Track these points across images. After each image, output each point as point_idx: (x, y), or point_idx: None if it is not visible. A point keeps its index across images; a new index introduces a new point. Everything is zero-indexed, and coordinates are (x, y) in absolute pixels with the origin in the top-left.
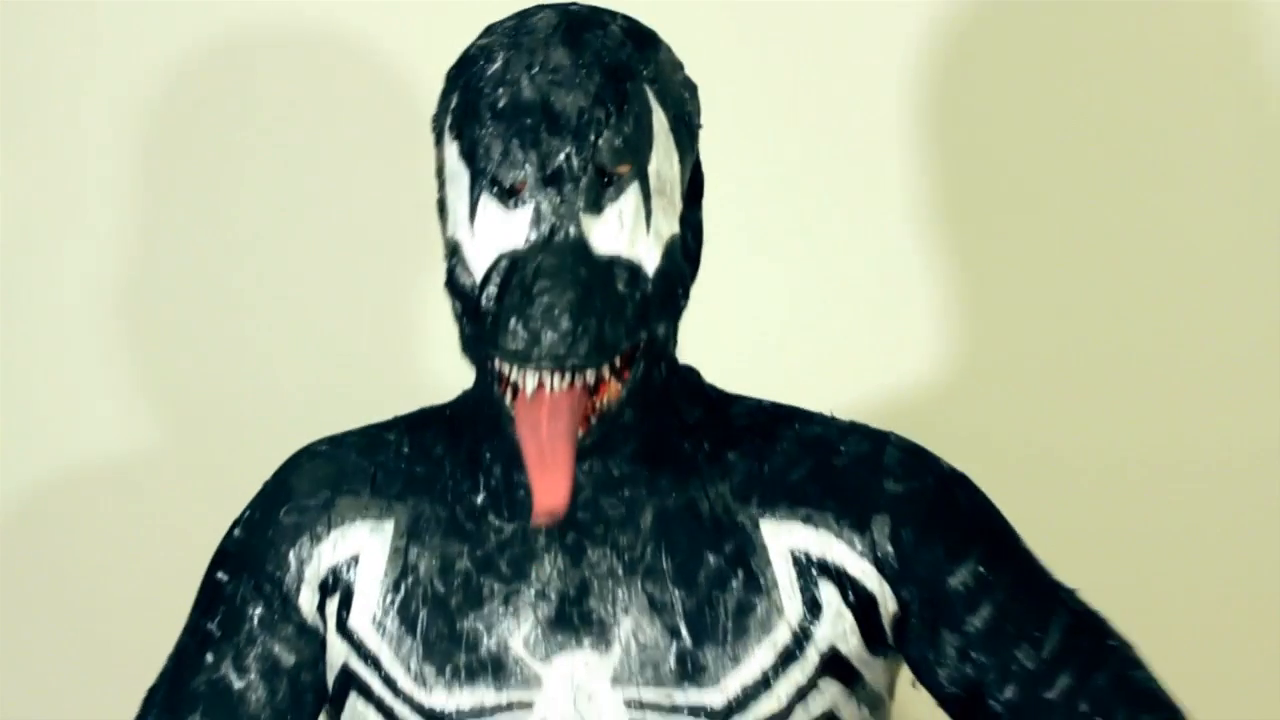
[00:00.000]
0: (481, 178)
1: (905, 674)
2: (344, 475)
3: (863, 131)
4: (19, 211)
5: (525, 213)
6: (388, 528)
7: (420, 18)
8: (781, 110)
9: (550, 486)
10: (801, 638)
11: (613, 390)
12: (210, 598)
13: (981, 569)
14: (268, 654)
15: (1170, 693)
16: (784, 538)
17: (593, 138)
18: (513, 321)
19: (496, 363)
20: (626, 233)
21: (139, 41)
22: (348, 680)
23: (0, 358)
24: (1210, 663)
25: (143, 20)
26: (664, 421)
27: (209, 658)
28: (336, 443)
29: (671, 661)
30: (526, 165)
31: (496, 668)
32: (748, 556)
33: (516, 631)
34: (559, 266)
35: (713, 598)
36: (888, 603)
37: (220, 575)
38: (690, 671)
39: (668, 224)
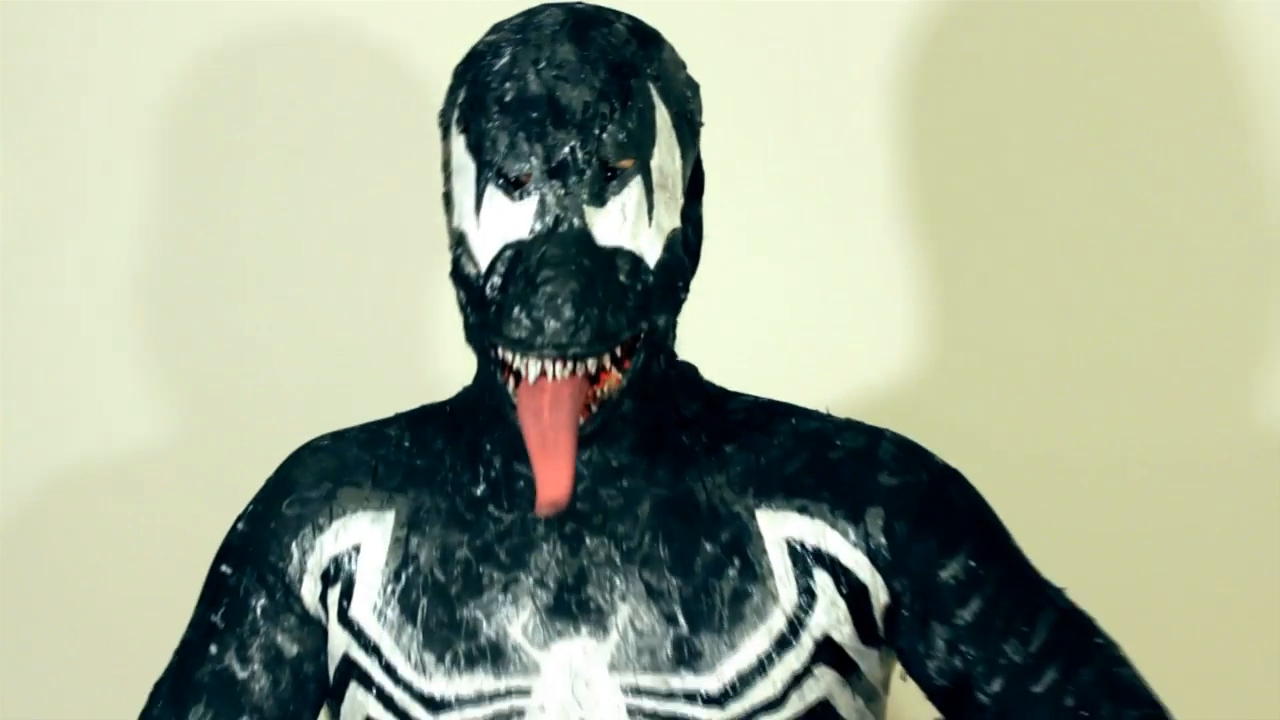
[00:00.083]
0: (488, 169)
1: (897, 668)
2: (345, 468)
3: (846, 133)
4: (27, 211)
5: (530, 204)
6: (389, 518)
7: (428, 16)
8: (765, 111)
9: (553, 474)
10: (797, 625)
11: (613, 379)
12: (214, 590)
13: (972, 563)
14: (271, 644)
15: (1153, 691)
16: (780, 527)
17: (597, 131)
18: (516, 310)
19: (500, 350)
20: (629, 225)
21: (149, 41)
22: (348, 669)
23: (6, 357)
24: (1195, 659)
25: (153, 20)
26: (662, 414)
27: (213, 649)
28: (338, 437)
29: (668, 648)
30: (532, 158)
31: (495, 655)
32: (744, 545)
33: (515, 619)
34: (563, 257)
35: (709, 585)
36: (879, 594)
37: (224, 568)
38: (686, 658)
39: (669, 218)
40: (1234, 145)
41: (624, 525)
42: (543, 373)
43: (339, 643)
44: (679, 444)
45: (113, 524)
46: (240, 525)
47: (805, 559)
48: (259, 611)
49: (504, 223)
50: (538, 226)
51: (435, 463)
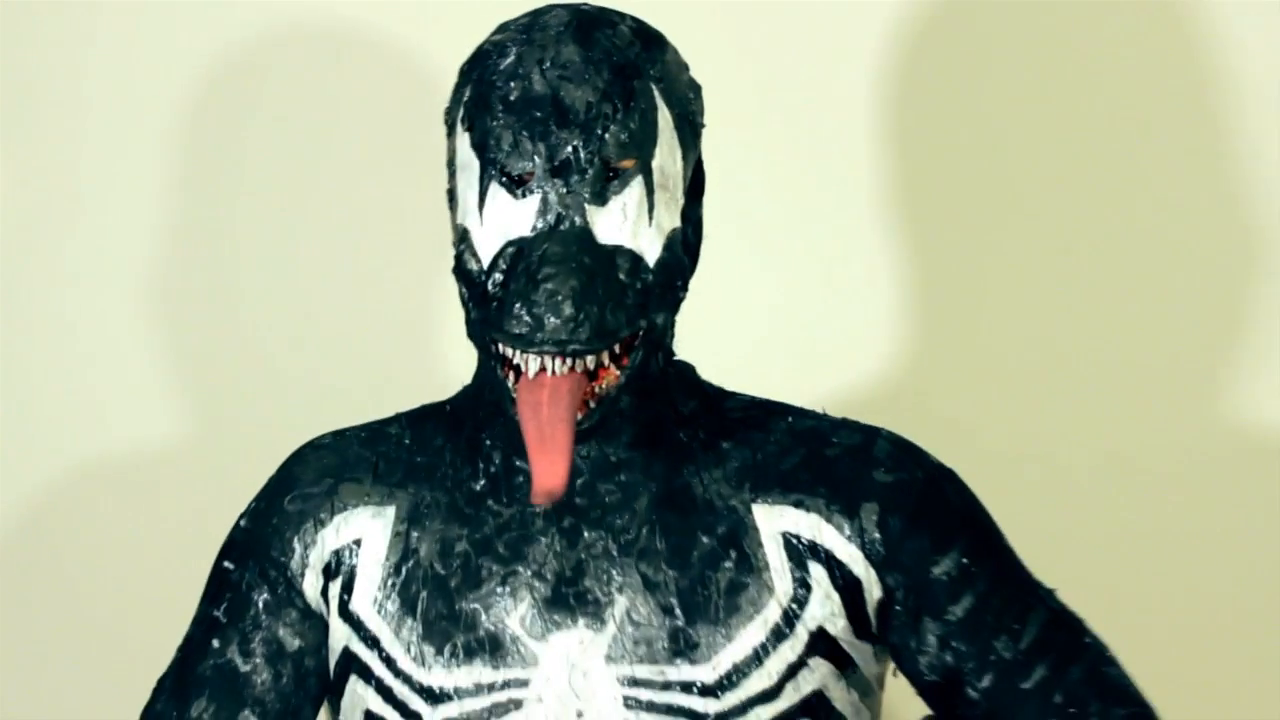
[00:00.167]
0: (491, 167)
1: (891, 665)
2: (346, 464)
3: (834, 133)
4: (32, 212)
5: (533, 202)
6: (389, 513)
7: (436, 15)
8: (751, 112)
9: (549, 467)
10: (792, 616)
11: (611, 376)
12: (217, 586)
13: (965, 560)
14: (272, 638)
15: (1141, 690)
16: (776, 521)
17: (600, 132)
18: (517, 306)
19: (500, 346)
20: (629, 224)
21: (156, 40)
22: (348, 663)
23: (12, 357)
24: (1177, 654)
25: (162, 19)
26: (660, 410)
27: (215, 643)
28: (339, 436)
29: (665, 639)
30: (535, 156)
31: (494, 647)
32: (740, 538)
33: (514, 611)
34: (564, 254)
35: (705, 577)
36: (873, 589)
37: (227, 564)
38: (683, 648)
39: (669, 217)
40: (1215, 144)
41: (621, 519)
42: (542, 368)
43: (339, 636)
44: (676, 440)
45: (120, 524)
46: (243, 522)
47: (801, 552)
48: (261, 606)
49: (506, 220)
50: (539, 224)
51: (435, 459)
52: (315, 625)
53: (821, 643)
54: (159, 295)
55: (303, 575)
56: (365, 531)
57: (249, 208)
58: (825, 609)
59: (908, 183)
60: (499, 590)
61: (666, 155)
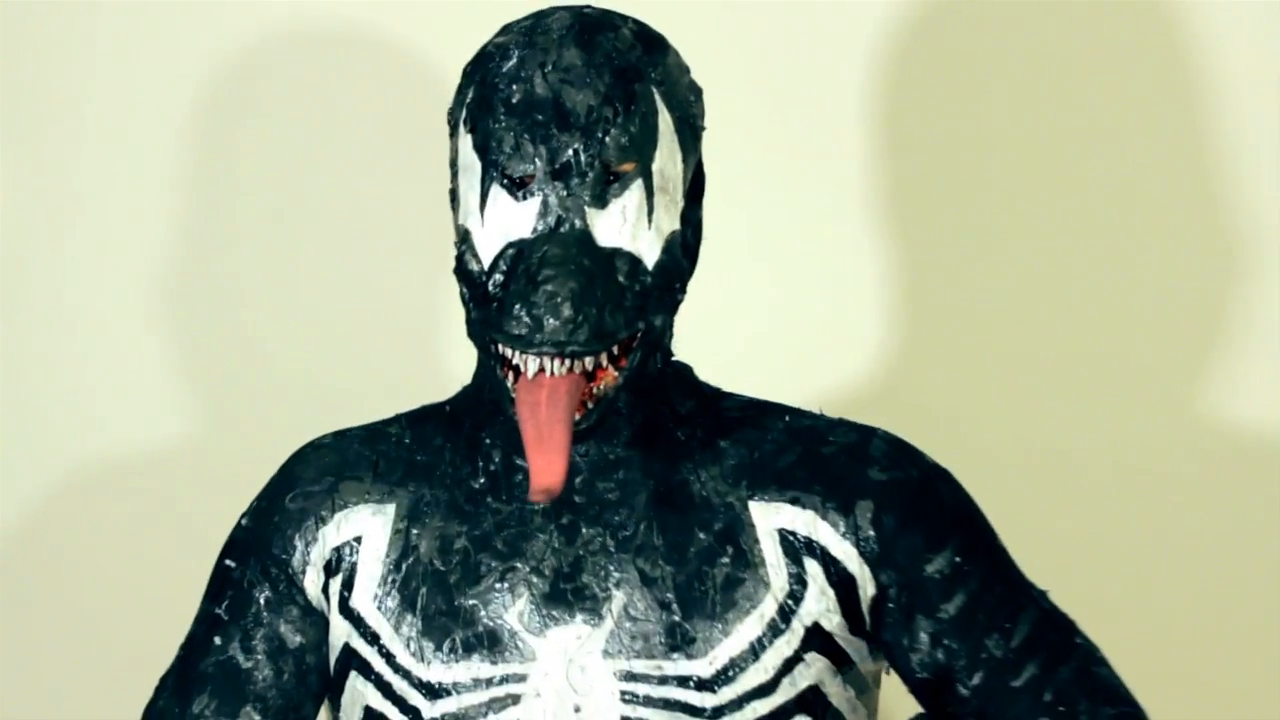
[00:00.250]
0: (493, 169)
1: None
2: (347, 463)
3: (824, 135)
4: (36, 212)
5: (533, 204)
6: (389, 510)
7: (440, 15)
8: (740, 114)
9: (546, 466)
10: (788, 611)
11: (610, 377)
12: (219, 584)
13: (958, 559)
14: (274, 635)
15: (1130, 691)
16: (772, 518)
17: (600, 135)
18: (517, 307)
19: (500, 346)
20: (629, 227)
21: (160, 41)
22: (348, 659)
23: (17, 358)
24: (1162, 650)
25: (165, 20)
26: (657, 410)
27: (217, 640)
28: (340, 435)
29: (662, 634)
30: (536, 159)
31: (492, 642)
32: (736, 534)
33: (512, 607)
34: (563, 257)
35: (702, 573)
36: (867, 585)
37: (228, 562)
38: (680, 643)
39: (669, 220)
40: (1198, 147)
41: (619, 515)
42: (541, 369)
43: (340, 633)
44: (674, 439)
45: (122, 524)
46: (244, 521)
47: (796, 549)
48: (262, 603)
49: (507, 221)
50: (540, 226)
51: (435, 458)
52: (316, 622)
53: (817, 638)
54: (161, 296)
55: (304, 572)
56: (366, 529)
57: (251, 208)
58: (820, 605)
59: (898, 184)
60: (498, 586)
61: (667, 158)
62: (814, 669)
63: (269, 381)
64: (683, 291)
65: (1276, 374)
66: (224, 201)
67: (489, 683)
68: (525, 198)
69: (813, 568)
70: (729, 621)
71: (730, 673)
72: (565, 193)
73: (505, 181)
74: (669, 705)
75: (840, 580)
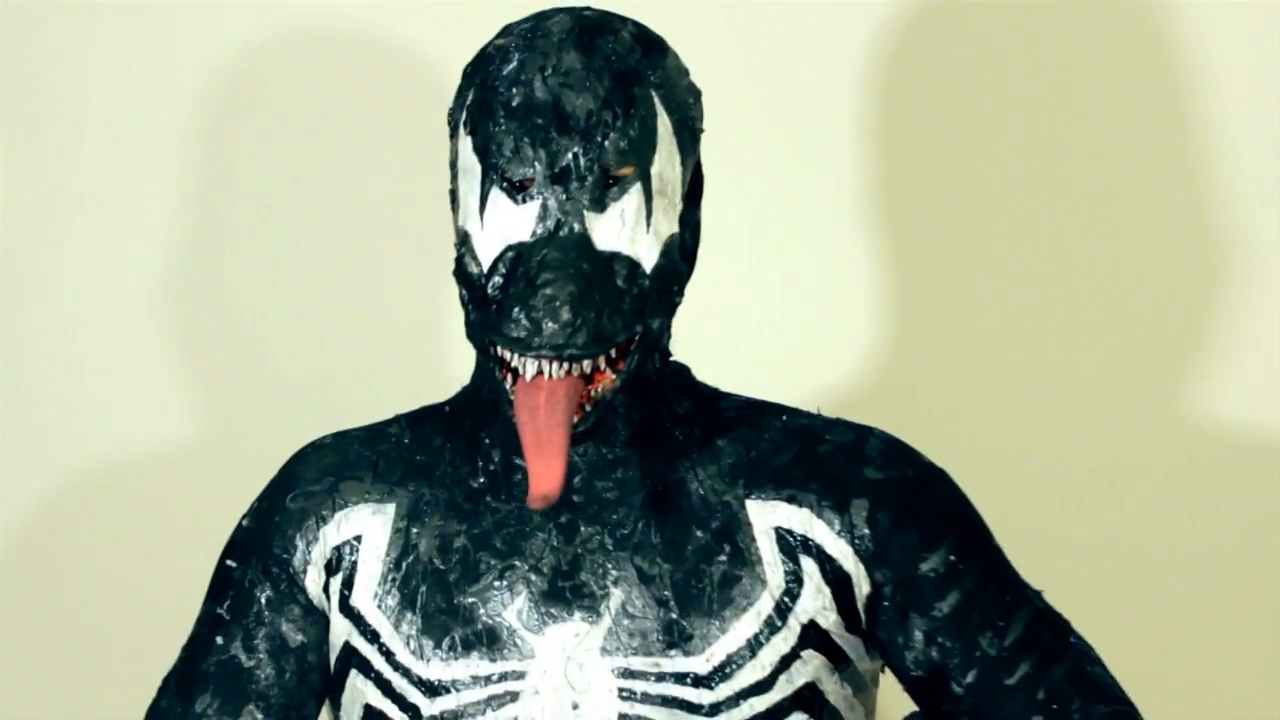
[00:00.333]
0: (493, 172)
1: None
2: (347, 463)
3: (815, 138)
4: (39, 213)
5: (533, 208)
6: (389, 510)
7: (442, 15)
8: (733, 116)
9: (545, 471)
10: (784, 609)
11: (608, 380)
12: (220, 585)
13: (953, 558)
14: (276, 634)
15: (1123, 690)
16: (768, 516)
17: (600, 139)
18: (516, 310)
19: (499, 349)
20: (628, 231)
21: (161, 42)
22: (349, 657)
23: (18, 359)
24: (1149, 647)
25: (167, 21)
26: (655, 410)
27: (219, 639)
28: (340, 436)
29: (659, 631)
30: (536, 163)
31: (491, 640)
32: (733, 533)
33: (511, 605)
34: (562, 260)
35: (699, 571)
36: (862, 583)
37: (229, 562)
38: (677, 640)
39: (667, 223)
40: (1187, 150)
41: (617, 514)
42: (539, 372)
43: (340, 631)
44: (672, 438)
45: (124, 526)
46: (245, 521)
47: (793, 547)
48: (264, 602)
49: (507, 225)
50: (539, 230)
51: (435, 458)
52: (317, 621)
53: (814, 636)
54: (161, 297)
55: (305, 572)
56: (366, 528)
57: (252, 209)
58: (817, 602)
59: (891, 186)
60: (497, 584)
61: (665, 162)
62: (811, 666)
63: (270, 382)
64: (680, 294)
65: (1265, 373)
66: (225, 202)
67: (488, 680)
68: (525, 201)
69: (808, 566)
70: (726, 619)
71: (727, 669)
72: (564, 196)
73: (505, 185)
74: (667, 702)
75: (836, 578)
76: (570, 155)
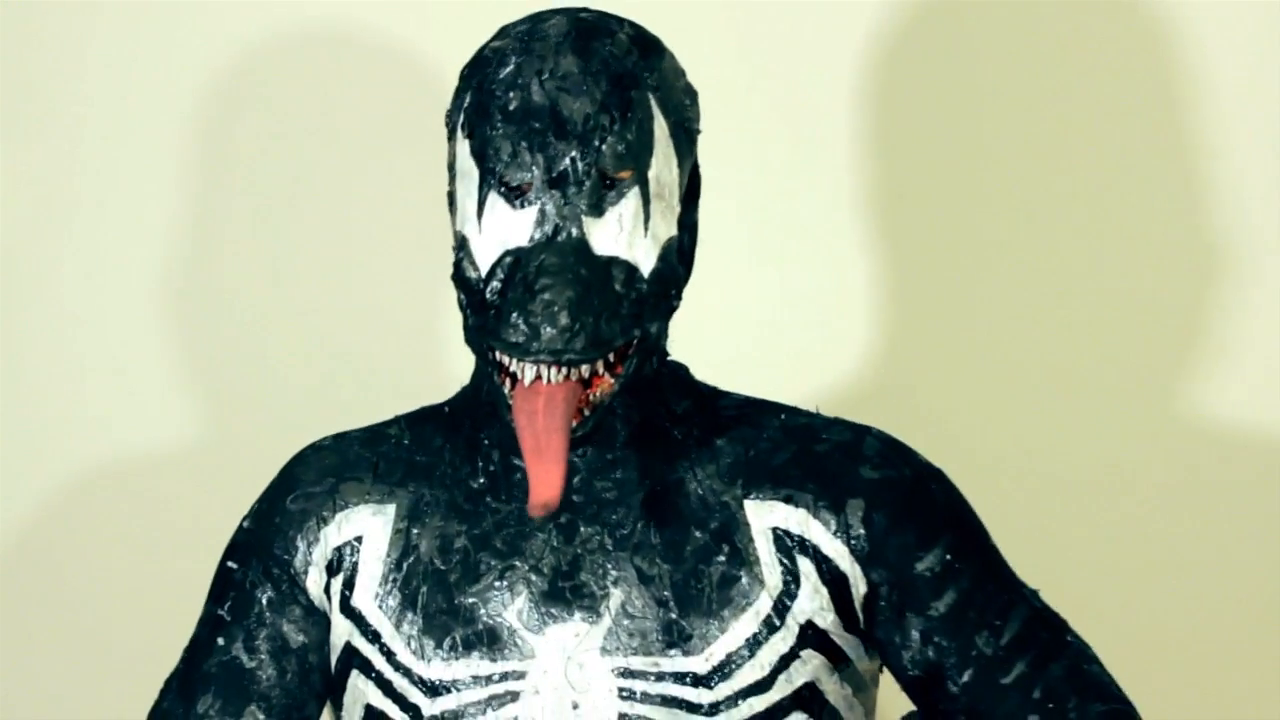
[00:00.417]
0: (490, 177)
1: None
2: (347, 464)
3: (811, 140)
4: (39, 214)
5: (531, 213)
6: (390, 511)
7: (441, 16)
8: (732, 116)
9: (545, 477)
10: (783, 609)
11: (606, 384)
12: (221, 586)
13: (949, 557)
14: (277, 634)
15: (1121, 689)
16: (766, 516)
17: (597, 143)
18: (514, 315)
19: (497, 353)
20: (625, 235)
21: (162, 43)
22: (350, 658)
23: (18, 361)
24: (1141, 646)
25: (167, 22)
26: (654, 410)
27: (220, 641)
28: (340, 437)
29: (659, 631)
30: (533, 168)
31: (492, 640)
32: (732, 533)
33: (511, 605)
34: (560, 265)
35: (699, 571)
36: (858, 584)
37: (230, 564)
38: (676, 639)
39: (665, 227)
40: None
41: (617, 514)
42: (538, 376)
43: (341, 632)
44: (671, 438)
45: (125, 528)
46: (246, 523)
47: (790, 547)
48: (265, 603)
49: (505, 229)
50: (537, 235)
51: (435, 458)
52: (318, 622)
53: (812, 636)
54: (162, 298)
55: (306, 572)
56: (366, 529)
57: (251, 210)
58: (814, 603)
59: (888, 187)
60: (497, 584)
61: (663, 165)
62: (810, 666)
63: (270, 383)
64: (679, 297)
65: (1264, 373)
66: (225, 203)
67: (488, 680)
68: (523, 206)
69: (805, 566)
70: (725, 619)
71: (726, 669)
72: (562, 201)
73: (502, 189)
74: (666, 701)
75: (832, 579)
76: (567, 160)
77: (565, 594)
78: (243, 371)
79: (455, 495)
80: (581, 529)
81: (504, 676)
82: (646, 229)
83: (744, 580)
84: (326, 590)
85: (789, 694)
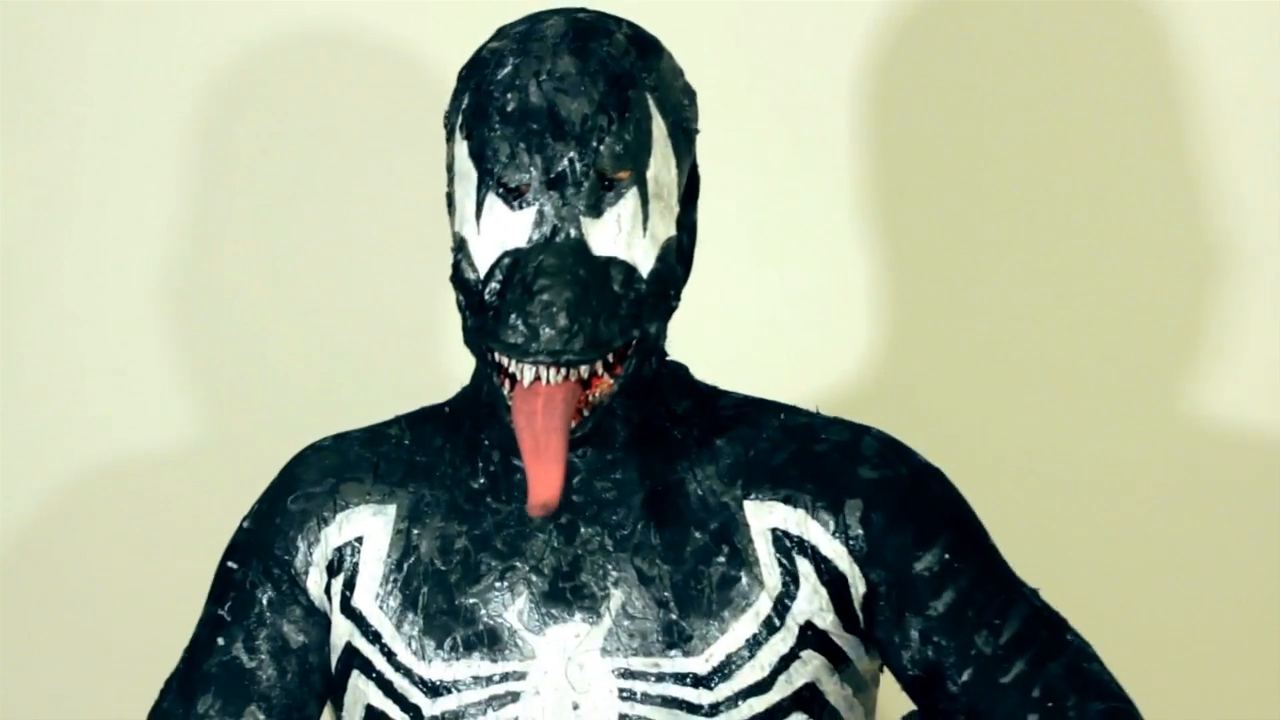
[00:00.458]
0: (489, 178)
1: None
2: (348, 464)
3: (811, 140)
4: (39, 215)
5: (529, 214)
6: (390, 511)
7: (441, 16)
8: (731, 116)
9: (544, 477)
10: (782, 610)
11: (605, 384)
12: (221, 586)
13: (947, 556)
14: (277, 634)
15: (1121, 686)
16: (765, 518)
17: (595, 144)
18: (513, 317)
19: (496, 354)
20: (624, 235)
21: (161, 44)
22: (350, 658)
23: (18, 361)
24: (1140, 646)
25: (167, 22)
26: (654, 411)
27: (220, 641)
28: (340, 438)
29: (659, 631)
30: (531, 169)
31: (493, 640)
32: (731, 534)
33: (512, 606)
34: (559, 266)
35: (699, 572)
36: (857, 584)
37: (231, 564)
38: (677, 640)
39: (664, 227)
40: (1181, 151)
41: (617, 515)
42: (537, 377)
43: (341, 632)
44: (671, 438)
45: (125, 529)
46: (246, 523)
47: (789, 548)
48: (265, 603)
49: (503, 231)
50: (535, 236)
51: (435, 458)
52: (318, 622)
53: (812, 636)
54: (161, 299)
55: (306, 573)
56: (367, 529)
57: (251, 210)
58: (814, 604)
59: (888, 186)
60: (498, 585)
61: (661, 165)
62: (810, 667)
63: (270, 384)
64: (678, 297)
65: (1264, 373)
66: (224, 204)
67: (489, 680)
68: (521, 207)
69: (804, 567)
70: (725, 619)
71: (727, 670)
72: (561, 202)
73: (501, 191)
74: (666, 702)
75: (832, 579)
76: (565, 161)
77: (566, 595)
78: (243, 371)
79: (456, 496)
80: (582, 530)
81: (504, 677)
82: (645, 229)
83: (744, 581)
84: (327, 591)
85: (789, 695)
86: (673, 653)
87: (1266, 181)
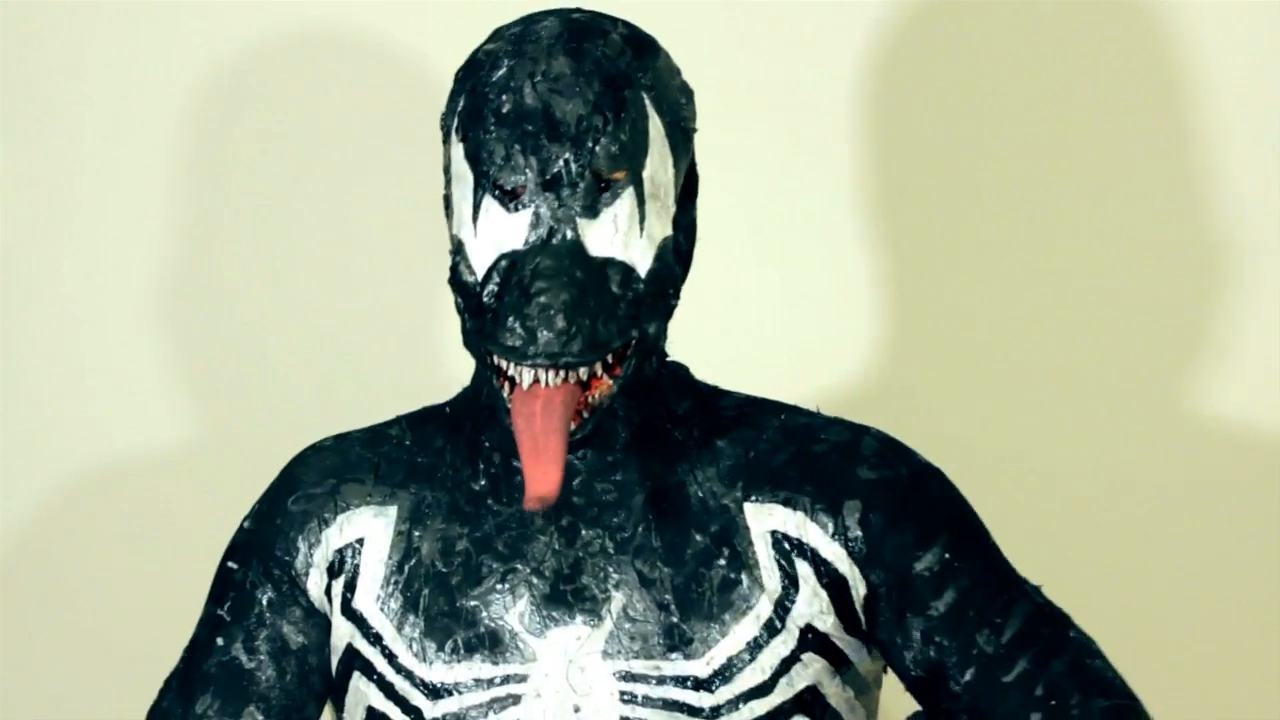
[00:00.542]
0: (485, 180)
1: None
2: (348, 465)
3: (812, 139)
4: (38, 216)
5: (525, 215)
6: (391, 512)
7: (439, 19)
8: (731, 116)
9: (542, 475)
10: (782, 612)
11: (604, 386)
12: (221, 587)
13: (948, 555)
14: (277, 635)
15: (1126, 683)
16: (764, 520)
17: (591, 145)
18: (511, 319)
19: (495, 357)
20: (621, 236)
21: (160, 45)
22: (351, 660)
23: (18, 362)
24: (1141, 646)
25: (167, 22)
26: (654, 411)
27: (220, 641)
28: (341, 438)
29: (660, 634)
30: (527, 170)
31: (494, 642)
32: (732, 536)
33: (513, 608)
34: (556, 268)
35: (699, 574)
36: (858, 586)
37: (231, 564)
38: (678, 643)
39: (661, 227)
40: (1183, 151)
41: (618, 517)
42: (536, 380)
43: (342, 634)
44: (671, 439)
45: (125, 530)
46: (246, 524)
47: (788, 550)
48: (265, 604)
49: (500, 233)
50: (532, 238)
51: (436, 460)
52: (318, 623)
53: (813, 639)
54: (161, 300)
55: (306, 574)
56: (368, 531)
57: (250, 211)
58: (814, 606)
59: (889, 186)
60: (499, 587)
61: (658, 164)
62: (811, 669)
63: (269, 385)
64: (676, 297)
65: (1265, 374)
66: (223, 205)
67: (490, 683)
68: (517, 209)
69: (804, 570)
70: (726, 622)
71: (727, 673)
72: (557, 204)
73: (497, 193)
74: (667, 705)
75: (832, 582)
76: (561, 162)
77: (567, 597)
78: (243, 371)
79: (457, 497)
80: (583, 532)
81: (505, 679)
82: (642, 229)
83: (744, 584)
84: (327, 592)
85: (790, 697)
86: (674, 655)
87: (1267, 181)
